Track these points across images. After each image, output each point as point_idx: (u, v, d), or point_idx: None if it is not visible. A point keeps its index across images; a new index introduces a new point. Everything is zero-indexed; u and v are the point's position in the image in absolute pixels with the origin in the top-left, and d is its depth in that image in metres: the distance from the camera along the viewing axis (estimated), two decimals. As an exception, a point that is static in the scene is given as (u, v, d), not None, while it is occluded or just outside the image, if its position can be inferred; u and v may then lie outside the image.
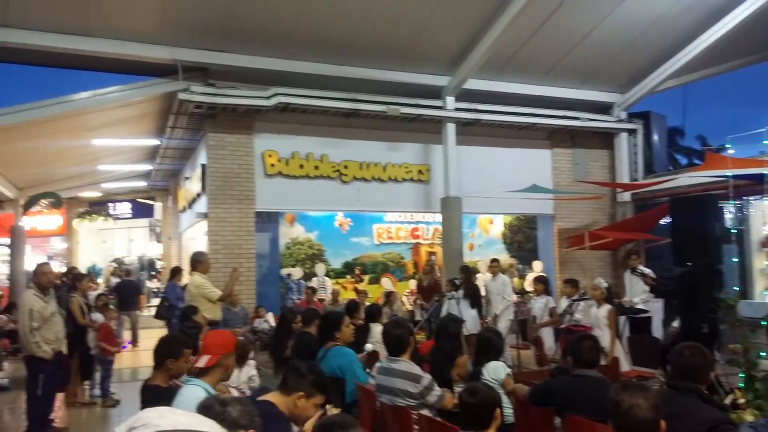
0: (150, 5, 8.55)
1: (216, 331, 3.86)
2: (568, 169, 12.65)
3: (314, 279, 11.40)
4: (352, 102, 10.24)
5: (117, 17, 8.63)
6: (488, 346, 4.41)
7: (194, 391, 3.09)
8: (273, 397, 2.89)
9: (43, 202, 15.57)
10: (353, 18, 9.22)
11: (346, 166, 10.90)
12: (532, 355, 8.75)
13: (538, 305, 8.53)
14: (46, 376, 5.92)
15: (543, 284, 8.72)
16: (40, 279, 6.08)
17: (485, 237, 13.09)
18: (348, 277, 11.96)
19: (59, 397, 6.99)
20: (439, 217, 11.15)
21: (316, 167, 10.69)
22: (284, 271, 11.23)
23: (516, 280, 12.34)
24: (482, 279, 11.12)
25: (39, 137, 11.01)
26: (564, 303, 7.99)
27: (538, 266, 12.37)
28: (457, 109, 10.96)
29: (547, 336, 8.20)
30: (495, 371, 4.27)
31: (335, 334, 5.01)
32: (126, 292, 12.41)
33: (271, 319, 9.64)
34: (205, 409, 2.07)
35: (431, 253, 12.64)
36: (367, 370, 4.97)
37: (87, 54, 9.10)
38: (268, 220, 10.72)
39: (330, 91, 10.19)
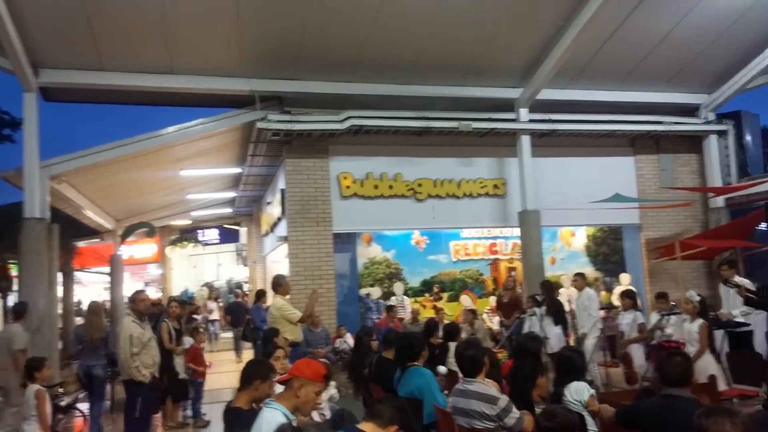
0: (227, 41, 8.99)
1: (307, 360, 3.79)
2: (654, 175, 12.06)
3: (393, 298, 11.42)
4: (424, 120, 10.27)
5: (198, 55, 9.14)
6: (569, 365, 4.23)
7: (273, 414, 3.15)
8: (367, 427, 2.93)
9: (139, 231, 16.54)
10: (420, 39, 9.29)
11: (420, 184, 10.92)
12: (621, 373, 8.32)
13: (626, 320, 8.12)
14: (143, 398, 6.22)
15: (630, 298, 8.30)
16: (138, 306, 6.42)
17: (567, 250, 12.66)
18: (426, 295, 11.89)
19: (154, 419, 7.33)
20: (517, 232, 10.92)
21: (391, 187, 10.77)
22: (363, 291, 11.32)
23: (603, 294, 11.82)
24: (566, 294, 10.75)
25: (133, 170, 11.76)
26: (654, 318, 7.57)
27: (625, 279, 11.81)
28: (532, 121, 10.75)
29: (637, 353, 7.78)
30: (578, 392, 4.08)
31: (416, 354, 4.98)
32: (236, 313, 13.09)
33: (350, 340, 9.73)
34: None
35: (511, 269, 12.36)
36: (446, 391, 4.90)
37: (172, 91, 9.69)
38: (345, 241, 10.89)
39: (401, 110, 10.29)
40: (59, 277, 10.88)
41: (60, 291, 12.12)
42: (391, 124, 10.23)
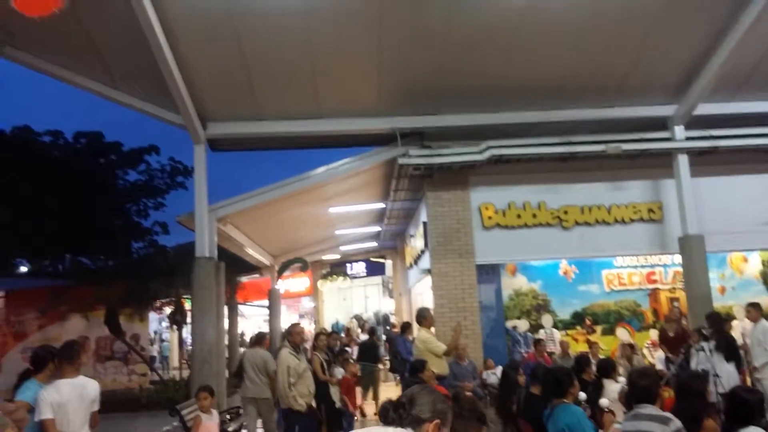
0: (370, 84, 9.45)
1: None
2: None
3: (541, 331, 10.98)
4: (568, 145, 9.94)
5: (343, 99, 9.71)
6: (743, 408, 3.78)
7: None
8: None
9: (293, 266, 17.63)
10: (562, 63, 9.07)
11: (566, 212, 10.53)
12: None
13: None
14: (301, 427, 6.57)
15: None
16: (294, 338, 6.84)
17: (739, 278, 11.39)
18: (578, 328, 11.28)
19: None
20: (677, 259, 10.08)
21: (534, 215, 10.51)
22: (509, 324, 11.03)
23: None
24: (740, 326, 9.65)
25: (287, 210, 12.63)
26: None
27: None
28: (689, 138, 9.97)
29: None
30: (754, 439, 3.63)
31: (565, 390, 4.75)
32: (366, 349, 13.34)
33: (498, 372, 9.49)
34: (383, 416, 2.18)
35: (673, 299, 11.37)
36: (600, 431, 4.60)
37: (320, 134, 10.34)
38: (489, 272, 10.74)
39: (543, 137, 10.04)
40: (225, 310, 11.87)
41: (225, 323, 13.21)
42: (532, 152, 10.02)
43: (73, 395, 4.41)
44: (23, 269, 23.31)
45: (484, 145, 9.95)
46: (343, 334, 15.92)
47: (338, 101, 9.73)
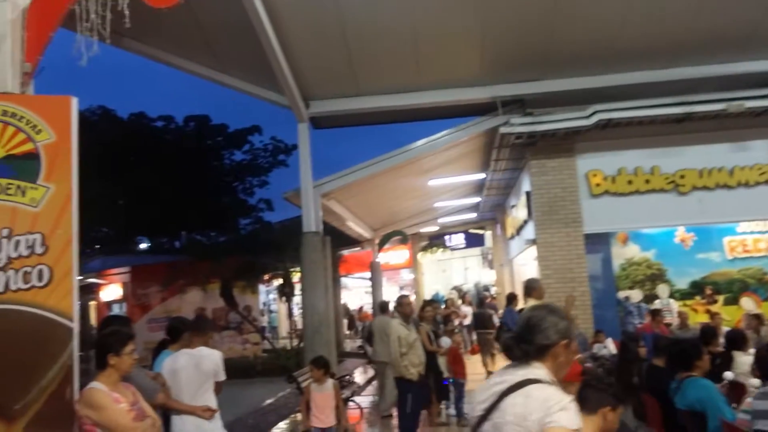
0: (470, 53, 9.26)
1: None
2: None
3: (657, 301, 10.48)
4: (684, 105, 9.31)
5: (443, 69, 9.58)
6: None
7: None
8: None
9: (393, 239, 17.87)
10: (684, 16, 8.44)
11: (682, 176, 9.92)
12: None
13: None
14: (413, 395, 6.72)
15: None
16: (404, 309, 6.96)
17: None
18: (697, 298, 10.65)
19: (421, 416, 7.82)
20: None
21: (647, 181, 9.98)
22: (621, 294, 10.60)
23: None
24: None
25: (386, 184, 12.77)
26: None
27: None
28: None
29: None
30: None
31: (692, 363, 4.53)
32: (482, 319, 13.58)
33: (611, 345, 9.19)
34: (508, 353, 2.14)
35: (806, 267, 10.47)
36: (734, 405, 4.36)
37: (419, 107, 10.30)
38: (598, 242, 10.35)
39: (655, 98, 9.46)
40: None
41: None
42: (644, 114, 9.48)
43: (189, 364, 4.63)
44: (143, 246, 25.26)
45: (591, 109, 9.53)
46: (443, 306, 16.01)
47: (439, 72, 9.63)
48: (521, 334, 2.13)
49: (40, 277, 3.37)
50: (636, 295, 10.68)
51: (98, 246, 22.96)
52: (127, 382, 3.59)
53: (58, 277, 3.39)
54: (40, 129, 3.53)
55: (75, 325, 3.40)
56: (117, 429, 3.27)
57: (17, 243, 3.38)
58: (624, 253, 10.84)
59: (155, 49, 9.41)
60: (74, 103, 3.65)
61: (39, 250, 3.40)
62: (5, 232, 3.37)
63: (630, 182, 10.03)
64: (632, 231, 10.75)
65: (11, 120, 3.49)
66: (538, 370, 2.06)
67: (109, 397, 3.32)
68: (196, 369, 4.66)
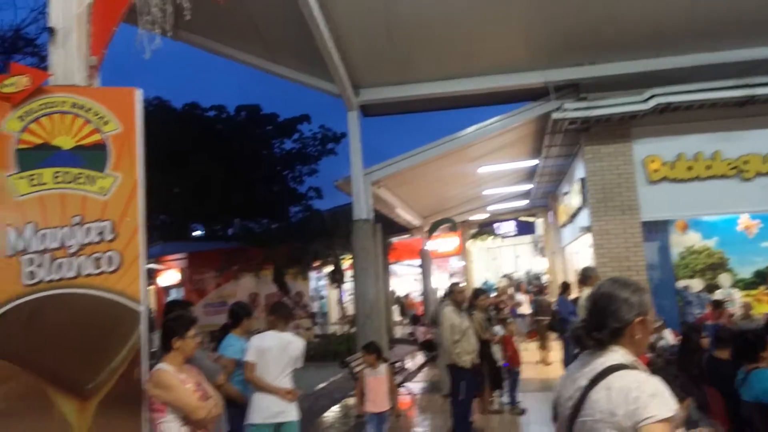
0: (520, 37, 9.10)
1: None
2: None
3: (719, 291, 10.11)
4: (747, 88, 8.88)
5: (493, 55, 9.44)
6: None
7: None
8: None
9: (442, 226, 17.82)
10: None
11: (746, 161, 9.52)
12: None
13: None
14: (466, 382, 6.73)
15: None
16: (456, 297, 6.98)
17: None
18: (761, 288, 10.21)
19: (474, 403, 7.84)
20: None
21: (708, 167, 9.62)
22: (680, 284, 10.27)
23: None
24: None
25: (436, 171, 12.71)
26: None
27: None
28: None
29: None
30: None
31: (757, 355, 4.38)
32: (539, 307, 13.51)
33: (669, 336, 8.94)
34: (579, 344, 2.03)
35: None
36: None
37: (469, 93, 10.19)
38: (656, 230, 10.04)
39: (717, 80, 9.06)
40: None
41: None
42: (705, 97, 9.08)
43: (275, 345, 4.91)
44: (197, 233, 25.98)
45: (648, 93, 9.21)
46: (494, 294, 15.92)
47: (489, 58, 9.49)
48: (591, 321, 1.99)
49: (110, 262, 3.52)
50: (696, 284, 10.32)
51: (157, 233, 23.78)
52: (189, 363, 3.73)
53: (127, 263, 3.54)
54: (107, 120, 3.67)
55: (143, 309, 3.54)
56: (184, 408, 3.41)
57: (88, 230, 3.53)
58: (683, 241, 10.48)
59: (211, 41, 9.63)
60: (139, 95, 3.78)
61: (109, 236, 3.55)
62: (76, 219, 3.53)
63: (690, 168, 9.69)
64: (692, 219, 10.38)
65: (79, 112, 3.64)
66: (615, 354, 1.92)
67: (177, 377, 3.47)
68: (283, 351, 4.94)
